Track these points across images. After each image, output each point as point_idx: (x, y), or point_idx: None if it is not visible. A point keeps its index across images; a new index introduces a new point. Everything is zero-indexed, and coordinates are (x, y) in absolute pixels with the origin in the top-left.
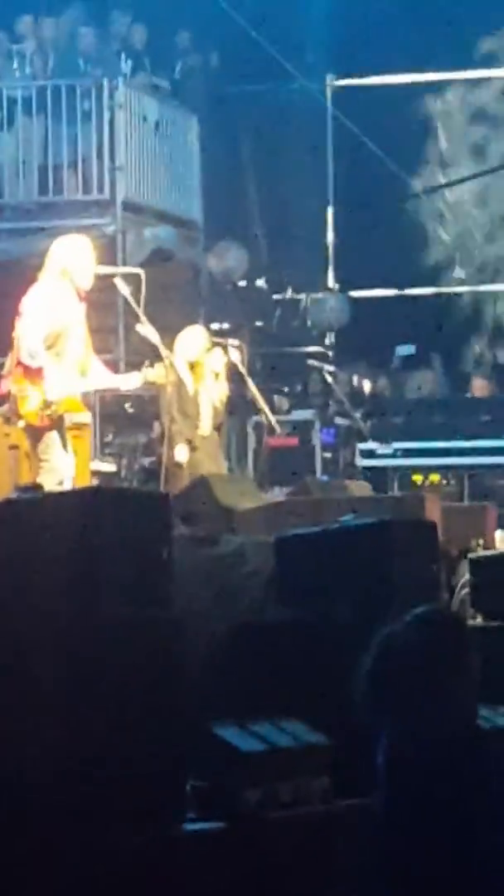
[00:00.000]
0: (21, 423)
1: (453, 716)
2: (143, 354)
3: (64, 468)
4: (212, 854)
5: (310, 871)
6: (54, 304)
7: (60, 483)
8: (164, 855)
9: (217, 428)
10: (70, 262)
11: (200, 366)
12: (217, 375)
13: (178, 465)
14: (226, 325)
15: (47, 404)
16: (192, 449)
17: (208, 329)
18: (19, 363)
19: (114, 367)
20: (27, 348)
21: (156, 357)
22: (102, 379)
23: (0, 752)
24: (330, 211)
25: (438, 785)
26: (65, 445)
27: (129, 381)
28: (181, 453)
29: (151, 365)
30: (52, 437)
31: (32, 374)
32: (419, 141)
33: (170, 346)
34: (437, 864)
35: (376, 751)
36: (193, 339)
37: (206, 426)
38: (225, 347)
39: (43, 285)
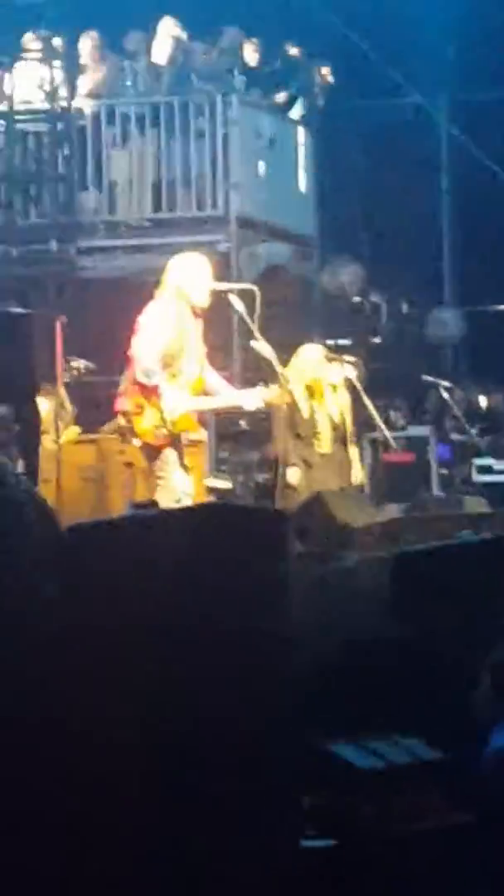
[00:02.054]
0: (137, 442)
1: None
2: (258, 371)
3: (180, 486)
4: (329, 870)
5: (427, 887)
6: (171, 322)
7: (178, 501)
8: (281, 870)
9: (343, 441)
10: (186, 281)
11: (318, 383)
12: (335, 388)
13: (291, 487)
14: (341, 341)
15: (163, 422)
16: (308, 468)
17: (324, 345)
18: (135, 381)
19: (229, 384)
20: (143, 367)
21: (271, 374)
22: (224, 398)
23: (117, 767)
24: (445, 225)
25: None
26: (182, 463)
27: (251, 401)
28: (293, 475)
29: (267, 384)
30: (169, 454)
31: (148, 392)
32: None
33: (285, 363)
34: None
35: (493, 765)
36: (309, 358)
37: (325, 444)
38: (342, 362)
39: (159, 304)
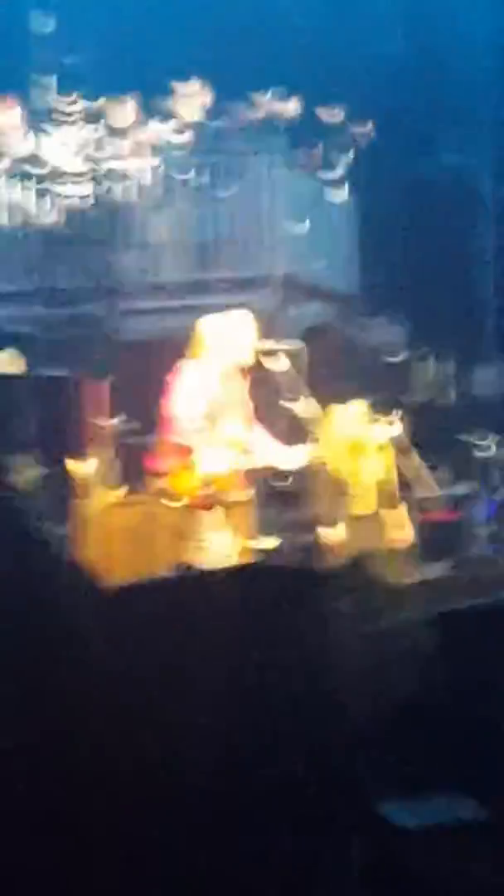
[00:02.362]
0: (177, 503)
1: None
2: (303, 431)
3: (222, 547)
4: None
5: None
6: (205, 382)
7: (221, 561)
8: None
9: (390, 500)
10: (228, 339)
11: (360, 441)
12: (381, 447)
13: (330, 547)
14: (385, 400)
15: (203, 481)
16: (350, 528)
17: (368, 403)
18: (173, 442)
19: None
20: (177, 427)
21: (315, 434)
22: (268, 456)
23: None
24: (491, 284)
25: None
26: (225, 524)
27: (295, 460)
28: (333, 535)
29: (311, 443)
30: (211, 515)
31: (183, 452)
32: None
33: (327, 422)
34: None
35: None
36: (351, 415)
37: (368, 503)
38: (388, 420)
39: (195, 362)
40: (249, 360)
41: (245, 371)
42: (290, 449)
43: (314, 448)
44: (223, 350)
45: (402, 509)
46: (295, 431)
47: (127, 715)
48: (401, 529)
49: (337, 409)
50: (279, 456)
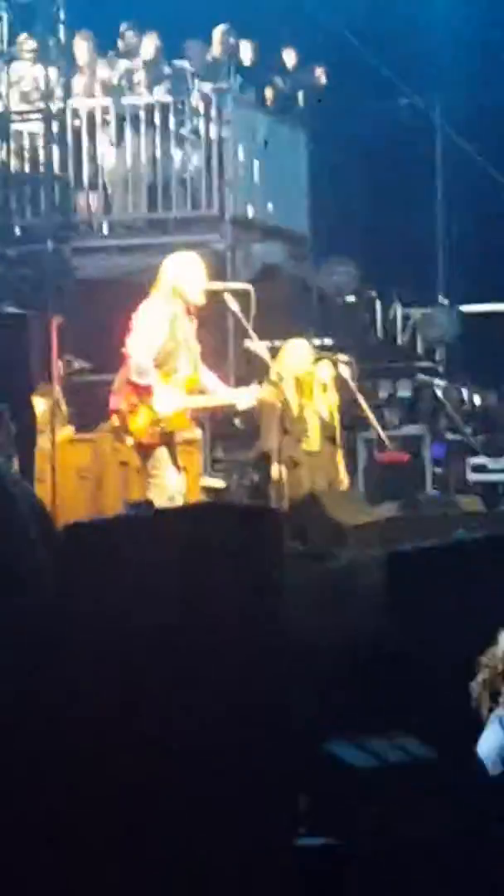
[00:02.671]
0: (130, 441)
1: None
2: (252, 371)
3: (174, 485)
4: (324, 871)
5: (424, 887)
6: (165, 321)
7: (171, 499)
8: (277, 870)
9: (331, 440)
10: (181, 280)
11: (308, 380)
12: (325, 388)
13: (278, 484)
14: (334, 341)
15: (156, 421)
16: (295, 466)
17: (315, 344)
18: (129, 381)
19: (224, 382)
20: (136, 365)
21: (265, 373)
22: (217, 396)
23: (111, 766)
24: (440, 226)
25: None
26: (175, 462)
27: (245, 399)
28: (276, 472)
29: (261, 383)
30: (162, 453)
31: (141, 391)
32: None
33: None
34: None
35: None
36: (298, 353)
37: (313, 442)
38: (335, 362)
39: (153, 302)
40: (200, 300)
41: (194, 311)
42: (240, 389)
43: (263, 388)
44: (175, 289)
45: (340, 453)
46: (244, 371)
47: (77, 654)
48: (340, 472)
49: (285, 348)
50: (230, 395)
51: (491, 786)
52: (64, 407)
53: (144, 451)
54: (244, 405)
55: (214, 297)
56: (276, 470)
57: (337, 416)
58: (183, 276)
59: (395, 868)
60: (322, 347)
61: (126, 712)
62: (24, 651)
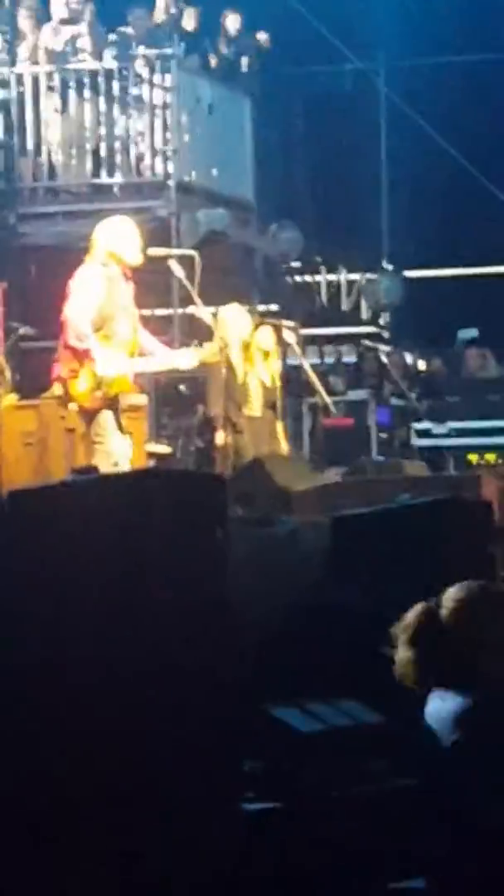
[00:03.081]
0: (74, 406)
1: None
2: (197, 337)
3: (119, 450)
4: (269, 834)
5: (367, 851)
6: (101, 285)
7: (116, 465)
8: (221, 834)
9: (272, 407)
10: (115, 244)
11: (249, 346)
12: (267, 355)
13: (222, 449)
14: (279, 307)
15: (98, 384)
16: (237, 432)
17: (259, 310)
18: (68, 346)
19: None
20: (74, 330)
21: (210, 338)
22: (158, 358)
23: (53, 736)
24: (384, 190)
25: (482, 756)
26: (120, 427)
27: (186, 360)
28: (219, 438)
29: (201, 344)
30: (106, 418)
31: (81, 356)
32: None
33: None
34: (487, 843)
35: (424, 723)
36: (240, 318)
37: (255, 407)
38: (279, 328)
39: (89, 268)
40: (135, 262)
41: (130, 275)
42: (180, 350)
43: (205, 350)
44: (110, 253)
45: (281, 420)
46: (187, 336)
47: (19, 621)
48: (280, 438)
49: (227, 313)
50: (171, 357)
51: (434, 749)
52: (7, 374)
53: (88, 416)
54: (185, 365)
55: (159, 263)
56: (220, 436)
57: (279, 383)
58: (116, 239)
59: (339, 831)
60: (266, 313)
61: (64, 678)
62: None
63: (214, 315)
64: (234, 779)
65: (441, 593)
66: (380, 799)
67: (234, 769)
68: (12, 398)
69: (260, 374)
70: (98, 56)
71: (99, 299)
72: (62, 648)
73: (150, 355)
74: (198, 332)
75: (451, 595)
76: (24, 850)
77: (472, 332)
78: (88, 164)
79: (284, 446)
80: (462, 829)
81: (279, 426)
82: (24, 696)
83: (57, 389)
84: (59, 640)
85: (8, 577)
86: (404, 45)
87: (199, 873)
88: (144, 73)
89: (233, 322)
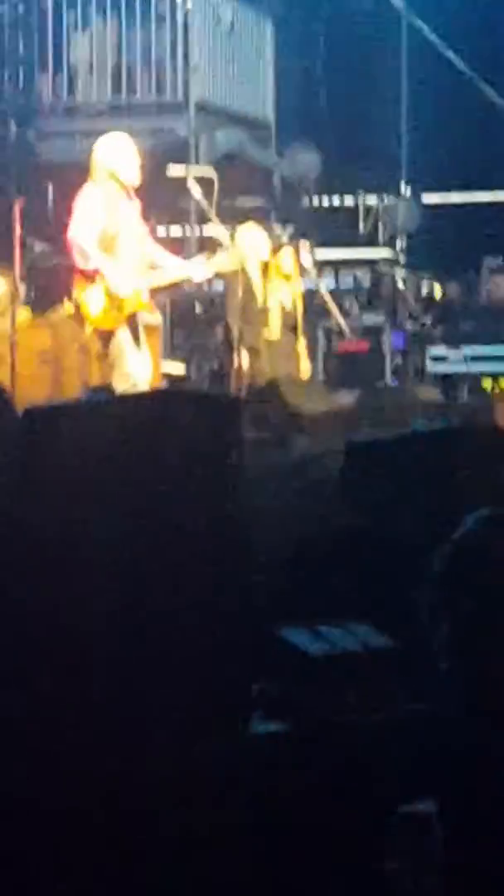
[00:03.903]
0: (89, 327)
1: None
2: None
3: (136, 370)
4: (279, 756)
5: (376, 776)
6: (103, 205)
7: (134, 385)
8: (231, 756)
9: (293, 329)
10: (114, 162)
11: (269, 268)
12: (288, 277)
13: (240, 371)
14: (296, 228)
15: (113, 303)
16: (256, 354)
17: (277, 231)
18: (77, 269)
19: None
20: (80, 251)
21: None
22: (171, 270)
23: (59, 655)
24: (404, 114)
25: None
26: (137, 346)
27: (200, 270)
28: (237, 360)
29: (213, 252)
30: (122, 337)
31: (91, 276)
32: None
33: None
34: (498, 772)
35: (440, 657)
36: (258, 238)
37: (274, 330)
38: (297, 249)
39: (90, 188)
40: (134, 179)
41: (131, 193)
42: (192, 260)
43: (218, 259)
44: (109, 172)
45: (303, 342)
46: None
47: (37, 539)
48: (300, 360)
49: (244, 233)
50: (184, 267)
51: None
52: (21, 289)
53: (104, 336)
54: (199, 276)
55: (178, 182)
56: (237, 358)
57: (300, 306)
58: (114, 157)
59: (348, 756)
60: (283, 235)
61: (78, 596)
62: None
63: (232, 235)
64: (244, 700)
65: (459, 524)
66: (390, 724)
67: (243, 690)
68: (25, 313)
69: (280, 296)
70: None
71: (99, 219)
72: (76, 569)
73: (167, 266)
74: (214, 253)
75: (470, 525)
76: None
77: (498, 261)
78: (108, 83)
79: (306, 368)
80: (472, 757)
81: (301, 347)
82: (33, 616)
83: (70, 311)
84: (73, 560)
85: (23, 493)
86: None
87: (205, 794)
88: None
89: (251, 242)
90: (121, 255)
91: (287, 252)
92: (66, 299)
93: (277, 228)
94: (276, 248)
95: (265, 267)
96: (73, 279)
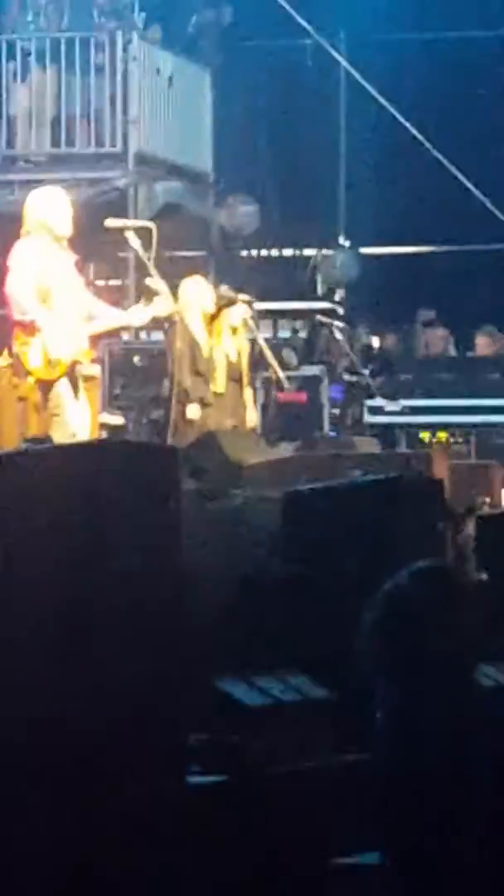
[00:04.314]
0: (31, 379)
1: (454, 671)
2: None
3: (76, 421)
4: (213, 807)
5: (311, 825)
6: (38, 257)
7: (73, 435)
8: (165, 807)
9: (237, 380)
10: (47, 214)
11: (218, 322)
12: (235, 330)
13: (190, 423)
14: (233, 281)
15: (54, 353)
16: (204, 406)
17: (217, 284)
18: (15, 322)
19: None
20: (17, 304)
21: (167, 319)
22: (109, 318)
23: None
24: (343, 167)
25: (438, 741)
26: (76, 397)
27: (137, 316)
28: (193, 411)
29: (150, 299)
30: (62, 388)
31: (28, 328)
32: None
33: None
34: (435, 819)
35: (376, 705)
36: (201, 290)
37: (220, 383)
38: (234, 301)
39: (24, 240)
40: (66, 232)
41: (65, 245)
42: (130, 309)
43: (157, 306)
44: (42, 224)
45: (249, 393)
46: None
47: None
48: (246, 411)
49: (188, 286)
50: (121, 316)
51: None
52: None
53: (45, 387)
54: (137, 322)
55: (117, 234)
56: (193, 409)
57: (245, 359)
58: (45, 209)
59: (286, 804)
60: (222, 287)
61: (21, 648)
62: None
63: (174, 286)
64: (178, 751)
65: (397, 575)
66: (325, 773)
67: (178, 742)
68: None
69: (226, 349)
70: (59, 25)
71: (34, 271)
72: (12, 620)
73: (103, 315)
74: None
75: (407, 578)
76: None
77: (431, 314)
78: (47, 134)
79: (252, 418)
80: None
81: (247, 398)
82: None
83: (8, 362)
84: (10, 611)
85: None
86: (365, 20)
87: (145, 847)
88: (106, 42)
89: (194, 294)
90: (57, 306)
91: (240, 306)
92: (4, 350)
93: (217, 281)
94: (230, 304)
95: (210, 319)
96: (12, 331)
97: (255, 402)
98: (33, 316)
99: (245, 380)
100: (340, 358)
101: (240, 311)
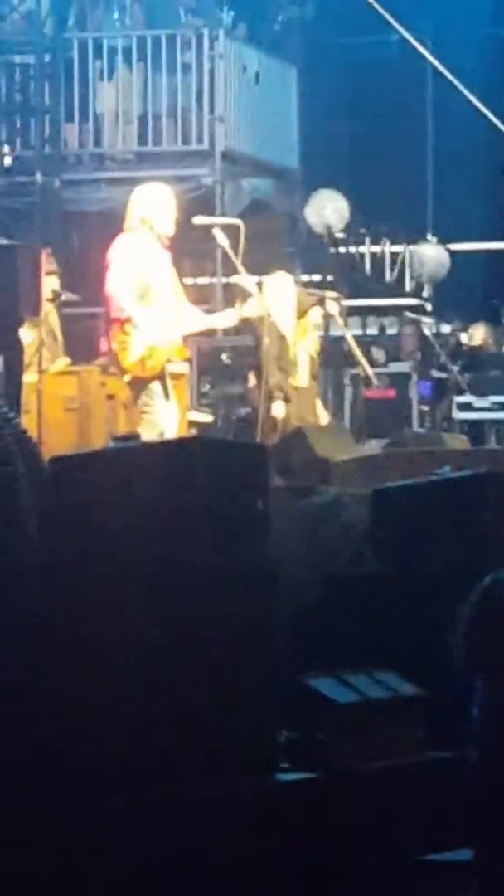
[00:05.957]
0: (127, 378)
1: None
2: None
3: (166, 420)
4: (303, 805)
5: (400, 823)
6: (138, 254)
7: (162, 434)
8: (257, 805)
9: (315, 378)
10: (150, 211)
11: (304, 320)
12: (316, 326)
13: (275, 420)
14: (322, 277)
15: (149, 354)
16: (288, 402)
17: (304, 280)
18: (113, 319)
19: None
20: (116, 301)
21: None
22: (198, 321)
23: (91, 695)
24: (429, 161)
25: None
26: (167, 395)
27: (224, 319)
28: (279, 408)
29: (244, 300)
30: (155, 387)
31: (126, 325)
32: None
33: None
34: None
35: (471, 703)
36: (287, 286)
37: (302, 378)
38: (323, 299)
39: (126, 236)
40: (170, 230)
41: (166, 244)
42: (220, 313)
43: (245, 307)
44: (144, 221)
45: (318, 390)
46: (230, 305)
47: (63, 584)
48: (324, 407)
49: (271, 283)
50: (212, 319)
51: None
52: (59, 336)
53: (138, 385)
54: (226, 324)
55: (204, 232)
56: (279, 406)
57: (318, 357)
58: (149, 206)
59: (374, 802)
60: (310, 284)
61: (105, 642)
62: (6, 581)
63: (259, 284)
64: (269, 749)
65: (493, 572)
66: (414, 770)
67: (269, 739)
68: (64, 361)
69: (307, 344)
70: (146, 24)
71: (138, 268)
72: (101, 614)
73: (193, 318)
74: (242, 301)
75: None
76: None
77: None
78: (134, 132)
79: (326, 416)
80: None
81: (318, 396)
82: (63, 658)
83: (106, 362)
84: (99, 604)
85: (49, 540)
86: (452, 16)
87: (234, 842)
88: (192, 41)
89: (279, 291)
90: (155, 304)
91: (315, 301)
92: (96, 352)
93: (304, 277)
94: (315, 304)
95: (297, 315)
96: (109, 332)
97: (343, 398)
98: (130, 312)
99: (318, 376)
100: (429, 354)
101: (318, 308)
